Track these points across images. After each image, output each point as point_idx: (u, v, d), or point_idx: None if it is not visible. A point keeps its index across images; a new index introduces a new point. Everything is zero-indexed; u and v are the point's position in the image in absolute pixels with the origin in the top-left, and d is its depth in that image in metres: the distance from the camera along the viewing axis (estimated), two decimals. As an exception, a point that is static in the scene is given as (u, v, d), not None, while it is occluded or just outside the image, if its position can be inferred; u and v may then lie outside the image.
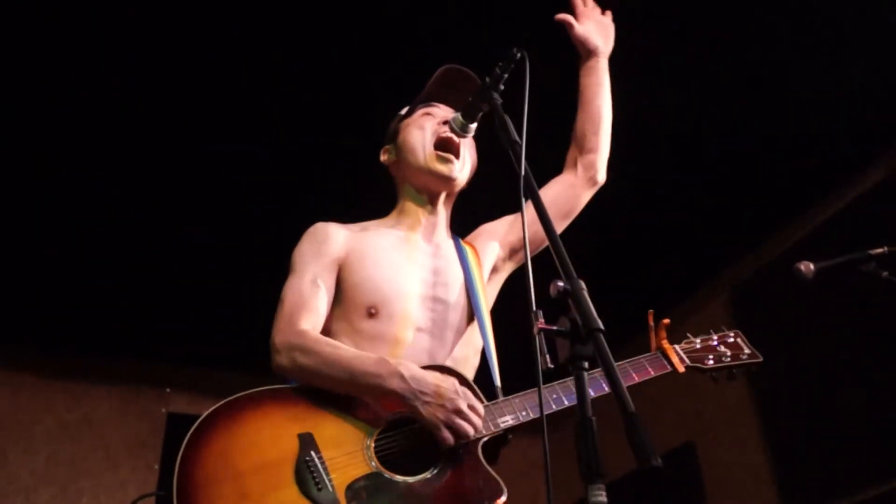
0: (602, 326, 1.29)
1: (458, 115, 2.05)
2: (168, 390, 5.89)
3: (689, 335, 2.29)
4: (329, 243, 2.19)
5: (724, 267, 5.32)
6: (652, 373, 2.13)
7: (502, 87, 1.89)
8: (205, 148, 4.15)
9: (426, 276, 2.20)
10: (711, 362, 2.22)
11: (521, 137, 1.73)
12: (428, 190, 2.32)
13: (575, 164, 2.39)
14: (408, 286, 2.15)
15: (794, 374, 4.47)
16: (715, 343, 2.28)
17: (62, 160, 4.15)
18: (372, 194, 2.44)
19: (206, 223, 4.62)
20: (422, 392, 1.86)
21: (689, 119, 4.15)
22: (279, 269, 2.34)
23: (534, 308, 1.40)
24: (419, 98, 2.41)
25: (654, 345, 2.20)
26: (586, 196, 2.40)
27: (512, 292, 2.38)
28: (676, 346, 2.22)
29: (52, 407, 5.59)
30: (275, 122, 4.04)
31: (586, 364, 1.31)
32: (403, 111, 2.45)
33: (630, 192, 4.39)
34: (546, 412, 1.63)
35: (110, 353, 5.73)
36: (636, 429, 1.15)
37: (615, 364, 1.28)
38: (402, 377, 1.87)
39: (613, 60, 2.47)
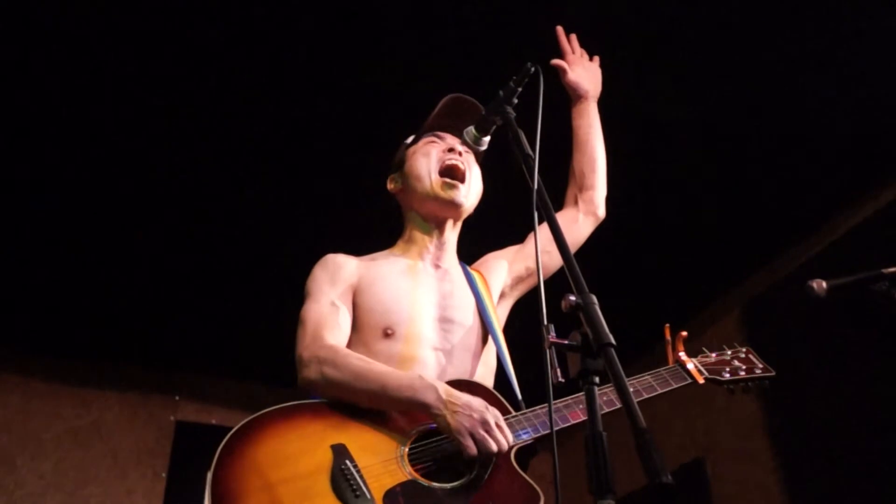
0: (613, 341, 1.30)
1: (472, 128, 2.07)
2: (177, 398, 5.88)
3: (704, 349, 2.35)
4: (342, 271, 2.24)
5: (736, 283, 5.29)
6: (673, 384, 2.17)
7: (516, 101, 1.90)
8: (218, 159, 4.17)
9: (436, 299, 2.23)
10: (728, 375, 2.28)
11: (534, 151, 1.74)
12: (434, 217, 2.35)
13: (575, 202, 2.48)
14: (419, 309, 2.18)
15: (805, 390, 4.44)
16: (729, 357, 2.34)
17: (73, 165, 4.16)
18: (381, 208, 2.46)
19: (217, 232, 4.64)
20: (452, 403, 1.88)
21: (702, 134, 4.14)
22: (288, 279, 2.35)
23: (545, 322, 1.40)
24: (424, 127, 2.45)
25: (671, 358, 2.24)
26: (588, 231, 2.49)
27: (524, 308, 2.39)
28: (694, 359, 2.27)
29: (61, 413, 5.59)
30: (292, 142, 4.07)
31: (597, 379, 1.31)
32: (409, 140, 2.50)
33: (642, 208, 4.38)
34: (563, 425, 1.63)
35: (120, 360, 5.73)
36: (647, 445, 1.15)
37: (627, 379, 1.28)
38: (435, 390, 1.90)
39: (629, 79, 2.50)
